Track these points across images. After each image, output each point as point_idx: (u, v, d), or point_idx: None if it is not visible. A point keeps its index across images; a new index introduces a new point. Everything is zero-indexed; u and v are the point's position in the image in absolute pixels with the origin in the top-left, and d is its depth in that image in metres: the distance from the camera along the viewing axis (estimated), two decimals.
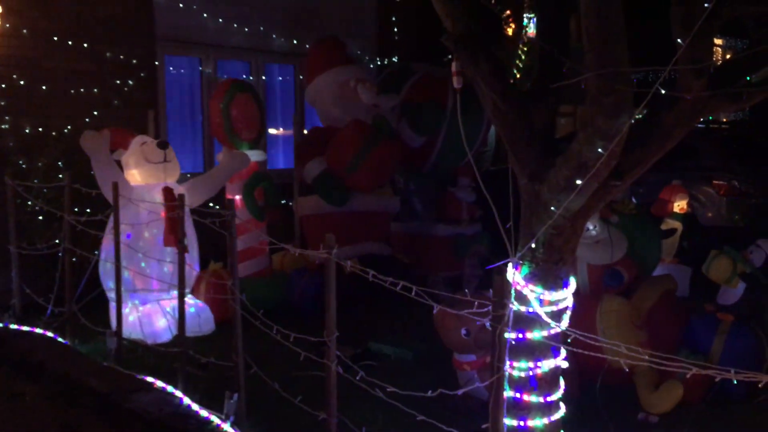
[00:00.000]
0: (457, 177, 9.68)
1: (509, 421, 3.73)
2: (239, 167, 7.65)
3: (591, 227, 5.94)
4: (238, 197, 7.88)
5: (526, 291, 3.56)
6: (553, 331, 3.63)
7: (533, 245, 3.53)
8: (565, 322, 3.71)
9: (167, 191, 6.88)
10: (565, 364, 3.81)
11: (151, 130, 8.27)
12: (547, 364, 3.68)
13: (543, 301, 3.60)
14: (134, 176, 7.05)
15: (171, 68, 9.63)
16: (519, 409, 3.72)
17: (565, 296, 3.68)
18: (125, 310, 6.70)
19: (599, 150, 3.12)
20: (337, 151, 8.25)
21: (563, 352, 3.79)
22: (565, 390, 5.36)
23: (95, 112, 8.41)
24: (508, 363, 3.72)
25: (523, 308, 3.58)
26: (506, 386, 3.77)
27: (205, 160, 10.28)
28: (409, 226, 9.61)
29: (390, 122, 8.48)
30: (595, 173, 3.22)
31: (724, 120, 18.08)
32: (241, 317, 4.95)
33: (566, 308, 3.74)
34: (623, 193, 6.77)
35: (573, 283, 3.76)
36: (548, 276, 3.58)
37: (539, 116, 3.59)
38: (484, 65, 3.46)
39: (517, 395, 3.70)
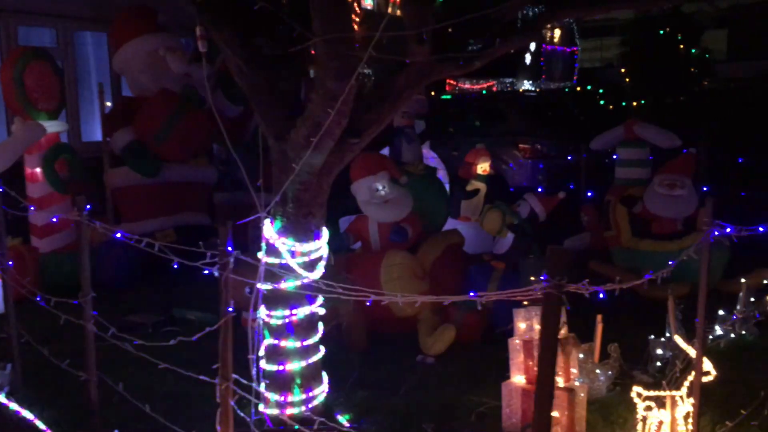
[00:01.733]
0: None
1: (270, 366, 3.99)
2: (34, 138, 7.40)
3: (380, 187, 6.30)
4: (38, 170, 7.63)
5: (278, 243, 3.80)
6: (306, 280, 3.88)
7: (284, 201, 3.76)
8: (318, 272, 3.98)
9: None
10: (321, 311, 4.10)
11: None
12: (302, 311, 3.95)
13: (295, 253, 3.85)
14: None
15: None
16: (278, 354, 3.97)
17: (317, 247, 3.95)
18: None
19: (329, 110, 3.37)
20: (145, 121, 8.16)
21: (319, 300, 4.08)
22: (353, 340, 5.79)
23: None
24: (265, 312, 3.99)
25: (276, 260, 3.82)
26: (266, 333, 4.03)
27: (8, 131, 9.82)
28: (233, 197, 9.68)
29: (198, 92, 8.47)
30: (327, 132, 3.48)
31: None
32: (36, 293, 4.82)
33: (320, 258, 4.02)
34: (415, 156, 7.21)
35: (325, 234, 4.04)
36: (299, 229, 3.83)
37: (285, 80, 3.80)
38: (227, 30, 3.62)
39: (276, 341, 3.95)
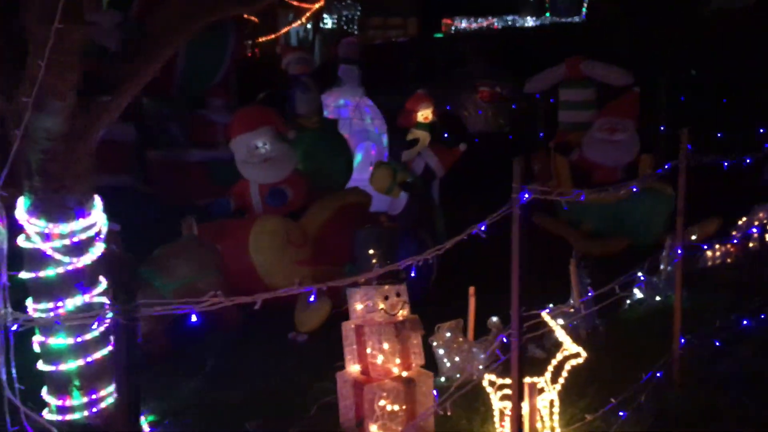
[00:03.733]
0: (208, 98, 9.21)
1: (46, 367, 3.43)
2: None
3: (260, 144, 5.65)
4: None
5: (26, 225, 3.20)
6: (71, 267, 3.29)
7: (29, 174, 3.15)
8: (89, 256, 3.38)
9: None
10: (102, 299, 3.51)
11: None
12: (71, 302, 3.37)
13: (51, 235, 3.24)
14: None
15: None
16: (50, 353, 3.41)
17: (81, 227, 3.34)
18: None
19: (39, 62, 2.72)
20: None
21: (99, 287, 3.49)
22: (223, 318, 5.21)
23: None
24: (32, 306, 3.41)
25: (29, 244, 3.23)
26: (36, 330, 3.46)
27: None
28: (167, 154, 9.09)
29: (95, 42, 7.75)
30: (51, 90, 2.84)
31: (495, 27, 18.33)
32: None
33: (91, 240, 3.40)
34: (311, 107, 6.51)
35: (95, 213, 3.42)
36: (51, 207, 3.22)
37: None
38: None
39: (43, 339, 3.38)
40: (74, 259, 3.31)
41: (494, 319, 4.53)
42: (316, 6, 17.61)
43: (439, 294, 5.37)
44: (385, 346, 3.69)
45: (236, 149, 5.69)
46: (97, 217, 3.44)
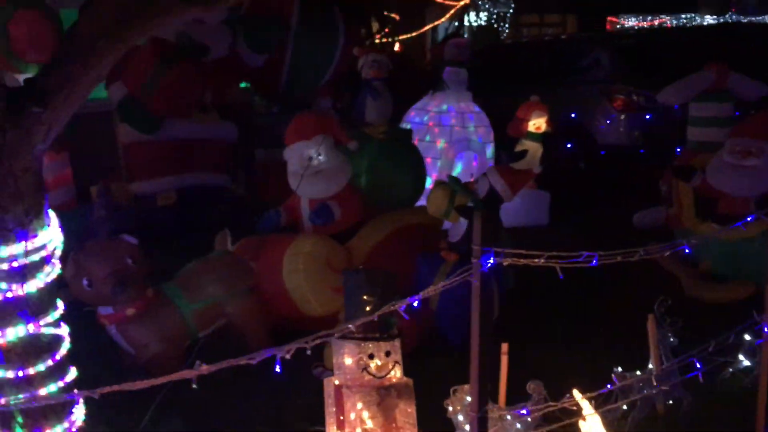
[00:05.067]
0: (317, 98, 8.93)
1: None
2: None
3: (315, 155, 5.17)
4: None
5: None
6: (10, 294, 2.97)
7: None
8: (36, 282, 3.04)
9: None
10: (63, 330, 3.18)
11: None
12: (12, 333, 3.04)
13: None
14: None
15: None
16: None
17: (23, 250, 3.00)
18: None
19: None
20: (132, 74, 7.52)
21: (50, 317, 3.15)
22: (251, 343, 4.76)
23: None
24: None
25: None
26: None
27: None
28: (270, 154, 8.93)
29: (197, 40, 7.66)
30: None
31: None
32: None
33: (37, 265, 3.06)
34: (381, 114, 5.89)
35: (44, 233, 3.06)
36: None
37: None
38: None
39: None
40: (15, 286, 2.98)
41: (535, 383, 3.75)
42: (461, 3, 16.99)
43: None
44: (365, 414, 3.08)
45: (289, 159, 5.25)
46: (48, 238, 3.09)
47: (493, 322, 4.91)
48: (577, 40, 12.95)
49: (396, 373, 3.18)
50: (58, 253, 3.19)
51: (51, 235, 3.12)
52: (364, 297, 3.19)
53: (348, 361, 3.16)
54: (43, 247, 3.07)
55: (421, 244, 5.14)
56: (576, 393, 3.04)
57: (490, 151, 8.01)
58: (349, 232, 5.15)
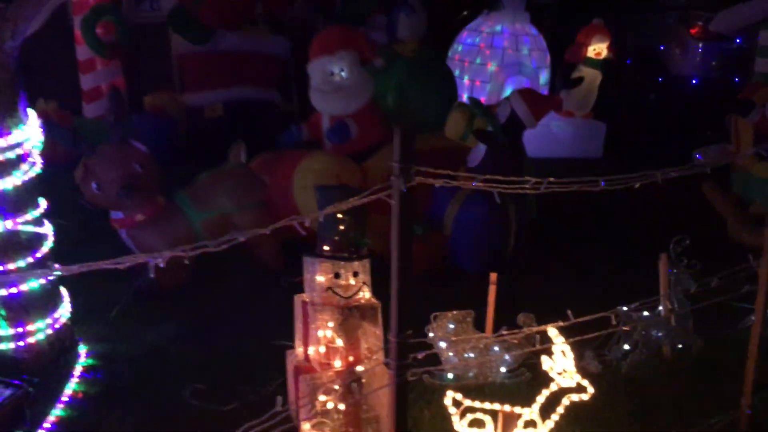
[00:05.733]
0: (372, 14, 8.68)
1: None
2: None
3: (337, 70, 5.02)
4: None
5: None
6: None
7: None
8: (13, 179, 3.08)
9: None
10: (46, 229, 3.24)
11: None
12: None
13: None
14: None
15: None
16: None
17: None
18: None
19: None
20: None
21: (36, 213, 3.20)
22: (263, 256, 4.77)
23: None
24: None
25: None
26: None
27: None
28: None
29: None
30: None
31: None
32: None
33: (15, 161, 3.09)
34: (413, 32, 5.60)
35: (19, 132, 3.07)
36: None
37: None
38: None
39: None
40: None
41: (526, 314, 3.60)
42: None
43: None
44: (328, 334, 3.02)
45: (312, 74, 5.10)
46: (24, 136, 3.11)
47: (508, 251, 4.82)
48: None
49: (365, 294, 3.09)
50: (37, 152, 3.21)
51: (28, 134, 3.14)
52: (338, 215, 3.09)
53: (319, 278, 3.10)
54: (19, 145, 3.10)
55: (443, 168, 4.95)
56: (551, 329, 2.88)
57: (544, 76, 7.63)
58: (369, 152, 5.02)
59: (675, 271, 3.91)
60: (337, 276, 3.05)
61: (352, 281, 3.07)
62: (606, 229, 5.54)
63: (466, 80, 7.51)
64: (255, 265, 4.73)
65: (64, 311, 3.48)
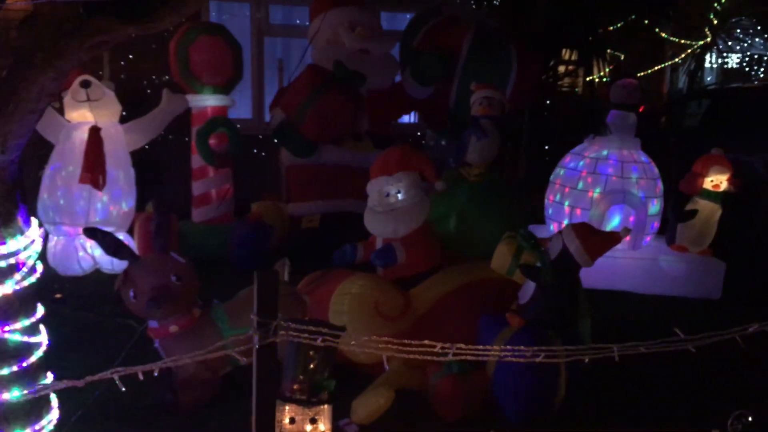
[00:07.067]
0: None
1: None
2: (176, 110, 7.62)
3: (394, 191, 4.89)
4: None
5: None
6: None
7: None
8: (4, 288, 3.14)
9: (92, 130, 7.11)
10: (40, 338, 3.25)
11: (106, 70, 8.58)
12: None
13: None
14: (68, 115, 7.37)
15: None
16: None
17: None
18: (50, 243, 7.17)
19: None
20: (289, 99, 7.77)
21: (28, 322, 3.23)
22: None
23: None
24: None
25: None
26: None
27: (253, 105, 10.46)
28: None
29: (347, 68, 7.68)
30: None
31: None
32: None
33: (8, 270, 3.15)
34: (483, 156, 5.34)
35: (14, 242, 3.14)
36: None
37: None
38: None
39: None
40: None
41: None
42: (701, 42, 15.44)
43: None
44: None
45: (370, 193, 5.00)
46: (19, 246, 3.18)
47: (556, 402, 4.29)
48: None
49: None
50: (32, 262, 3.26)
51: (24, 243, 3.21)
52: (310, 352, 2.86)
53: (283, 420, 2.85)
54: (14, 254, 3.17)
55: (493, 303, 4.60)
56: None
57: (654, 207, 7.08)
58: (422, 278, 4.77)
59: None
60: (291, 421, 2.79)
61: (308, 428, 2.80)
62: (673, 385, 4.82)
63: (566, 207, 7.12)
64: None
65: (50, 422, 3.44)
